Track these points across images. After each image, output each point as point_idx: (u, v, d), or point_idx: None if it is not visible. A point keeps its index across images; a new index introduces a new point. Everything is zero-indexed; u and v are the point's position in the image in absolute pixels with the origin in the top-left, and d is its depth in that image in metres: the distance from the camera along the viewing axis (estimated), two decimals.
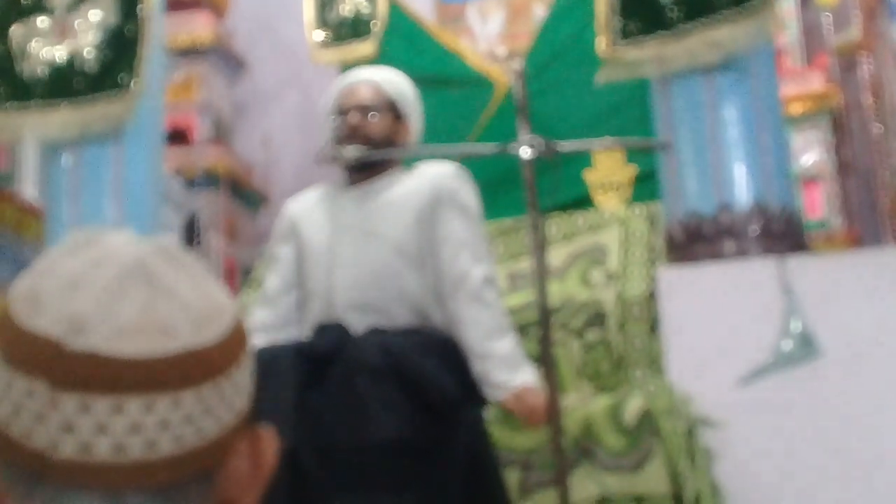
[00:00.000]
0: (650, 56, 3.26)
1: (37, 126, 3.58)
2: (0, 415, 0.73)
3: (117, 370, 0.73)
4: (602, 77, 3.41)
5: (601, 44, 3.36)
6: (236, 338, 0.81)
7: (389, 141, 2.79)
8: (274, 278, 2.86)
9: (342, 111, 2.80)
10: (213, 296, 0.81)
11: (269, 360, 2.46)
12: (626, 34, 3.30)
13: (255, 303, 2.89)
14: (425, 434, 2.43)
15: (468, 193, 2.78)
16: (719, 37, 3.15)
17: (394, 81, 2.87)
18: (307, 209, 2.88)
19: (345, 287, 2.71)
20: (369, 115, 2.77)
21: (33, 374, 0.73)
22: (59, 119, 3.55)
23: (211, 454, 0.77)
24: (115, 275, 0.76)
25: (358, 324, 2.66)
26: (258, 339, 2.72)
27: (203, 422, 0.77)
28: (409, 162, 2.95)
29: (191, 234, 6.39)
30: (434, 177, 2.77)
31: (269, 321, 2.80)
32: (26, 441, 0.73)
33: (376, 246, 2.72)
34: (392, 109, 2.81)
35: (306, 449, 2.38)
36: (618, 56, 3.32)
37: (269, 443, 0.84)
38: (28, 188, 5.37)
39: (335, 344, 2.56)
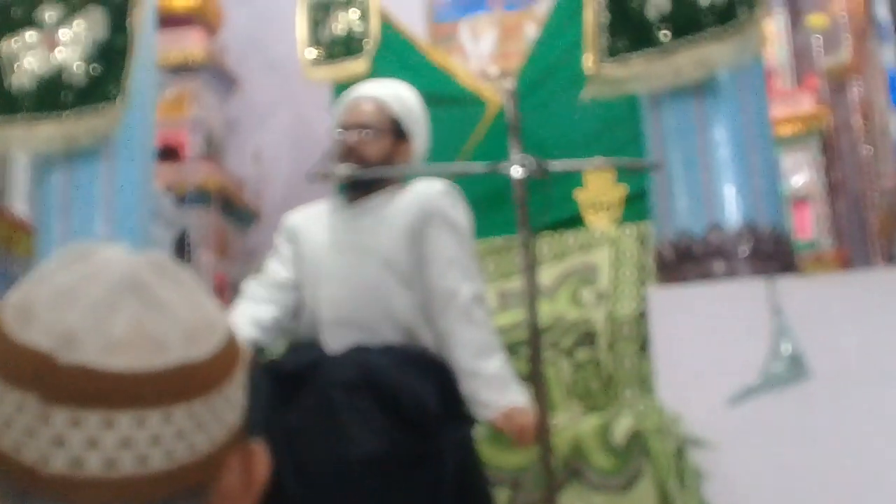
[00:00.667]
0: (637, 73, 3.28)
1: (23, 139, 3.58)
2: None
3: (109, 384, 0.73)
4: (588, 94, 3.42)
5: (588, 61, 3.37)
6: (229, 353, 0.81)
7: (386, 161, 2.77)
8: (279, 268, 2.83)
9: (343, 127, 2.79)
10: (205, 310, 0.81)
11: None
12: (612, 52, 3.32)
13: (255, 281, 2.85)
14: (405, 450, 2.42)
15: (458, 211, 2.77)
16: (705, 55, 3.16)
17: (400, 98, 2.85)
18: (306, 222, 2.87)
19: (330, 303, 2.70)
20: (367, 134, 2.76)
21: (24, 387, 0.72)
22: (45, 132, 3.54)
23: (203, 469, 0.77)
24: (108, 289, 0.76)
25: (342, 340, 2.64)
26: (242, 308, 2.71)
27: (195, 437, 0.76)
28: (409, 178, 2.95)
29: (181, 251, 6.38)
30: (424, 194, 2.77)
31: (260, 296, 2.77)
32: (16, 455, 0.72)
33: (366, 263, 2.72)
34: (393, 128, 2.79)
35: (284, 468, 2.37)
36: (604, 73, 3.33)
37: (261, 458, 0.84)
38: (19, 204, 5.36)
39: (307, 362, 2.55)
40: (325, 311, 2.70)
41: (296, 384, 2.47)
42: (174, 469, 0.75)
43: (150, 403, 0.74)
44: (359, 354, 2.54)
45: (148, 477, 0.74)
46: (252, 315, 2.69)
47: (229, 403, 0.80)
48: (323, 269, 2.74)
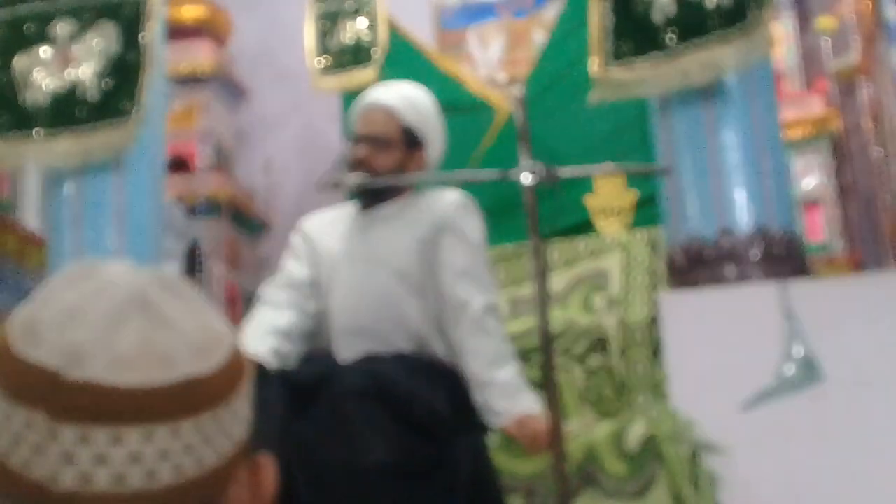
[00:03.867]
0: (643, 77, 3.27)
1: (39, 154, 3.59)
2: (1, 449, 0.73)
3: (116, 400, 0.73)
4: (595, 97, 3.41)
5: (594, 64, 3.37)
6: (235, 367, 0.81)
7: (398, 171, 2.77)
8: (297, 265, 2.82)
9: (354, 139, 2.79)
10: (211, 325, 0.81)
11: (254, 391, 2.45)
12: (618, 55, 3.31)
13: (272, 283, 2.84)
14: (418, 458, 2.42)
15: (472, 222, 2.77)
16: (712, 57, 3.16)
17: (413, 104, 2.82)
18: (321, 227, 2.87)
19: (341, 311, 2.70)
20: (377, 147, 2.75)
21: (32, 405, 0.73)
22: (61, 147, 3.56)
23: (211, 483, 0.77)
24: (114, 305, 0.76)
25: (354, 349, 2.64)
26: (261, 315, 2.70)
27: (203, 451, 0.76)
28: (421, 185, 2.95)
29: (192, 262, 6.39)
30: (438, 205, 2.76)
31: (279, 301, 2.76)
32: (26, 472, 0.72)
33: (378, 272, 2.71)
34: (405, 137, 2.79)
35: (298, 478, 2.37)
36: (610, 77, 3.33)
37: (269, 471, 0.84)
38: (30, 217, 5.38)
39: (320, 373, 2.55)
40: (338, 320, 2.70)
41: (309, 394, 2.47)
42: (183, 483, 0.75)
43: (158, 418, 0.74)
44: (370, 363, 2.54)
45: (157, 492, 0.74)
46: (271, 323, 2.68)
47: (236, 417, 0.80)
48: (336, 277, 2.74)
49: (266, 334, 2.63)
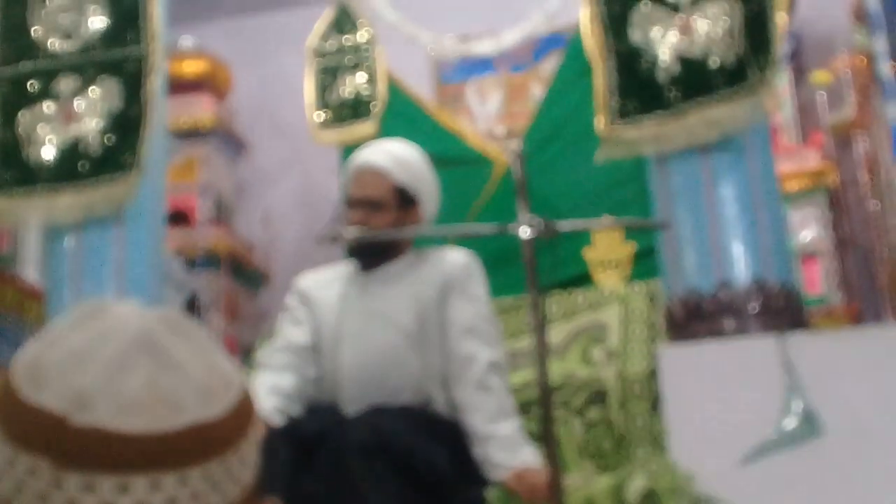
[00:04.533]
0: (649, 135, 3.30)
1: (42, 210, 3.60)
2: (2, 492, 0.72)
3: (123, 447, 0.72)
4: (601, 156, 3.44)
5: (599, 123, 3.39)
6: (243, 410, 0.80)
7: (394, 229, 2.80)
8: (296, 331, 2.82)
9: (348, 203, 2.82)
10: (219, 368, 0.80)
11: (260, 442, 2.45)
12: (623, 113, 3.34)
13: (272, 347, 2.84)
14: None
15: (478, 281, 2.80)
16: (717, 115, 3.18)
17: (403, 164, 2.85)
18: (318, 286, 2.89)
19: (351, 365, 2.72)
20: (370, 210, 2.77)
21: (36, 451, 0.71)
22: (64, 203, 3.57)
23: None
24: (121, 348, 0.75)
25: (360, 402, 2.66)
26: (263, 378, 2.70)
27: (210, 498, 0.75)
28: (418, 241, 2.96)
29: (192, 314, 6.39)
30: (445, 265, 2.79)
31: (280, 363, 2.76)
32: None
33: (382, 329, 2.73)
34: (398, 197, 2.81)
35: None
36: (616, 135, 3.36)
37: None
38: (29, 270, 5.38)
39: (325, 426, 2.55)
40: (345, 374, 2.71)
41: (314, 447, 2.48)
42: None
43: (166, 466, 0.73)
44: (374, 417, 2.54)
45: None
46: (274, 384, 2.70)
47: (244, 462, 0.80)
48: (342, 333, 2.76)
49: (269, 394, 2.64)
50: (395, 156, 2.87)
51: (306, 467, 2.45)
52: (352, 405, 2.68)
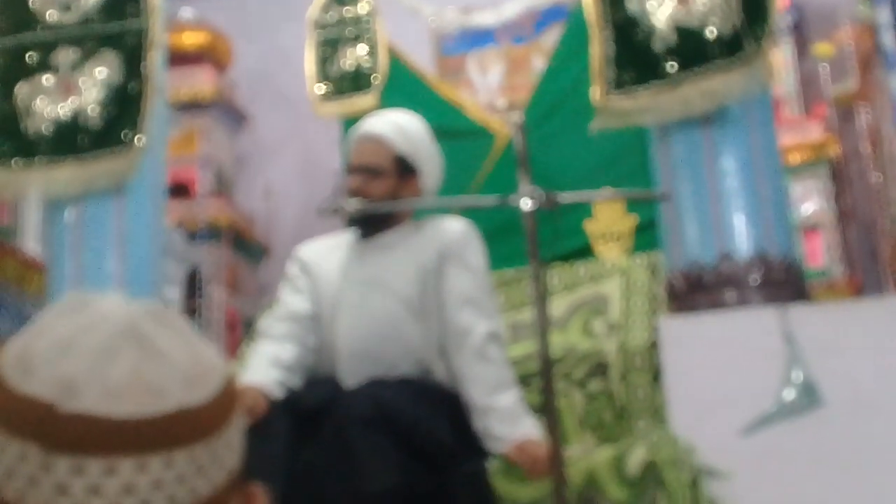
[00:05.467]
0: (644, 105, 3.29)
1: (41, 182, 3.60)
2: None
3: (110, 431, 0.74)
4: (596, 126, 3.43)
5: (595, 93, 3.38)
6: (227, 397, 0.82)
7: (393, 198, 2.80)
8: (296, 299, 2.83)
9: (348, 170, 2.82)
10: (203, 356, 0.82)
11: (261, 419, 2.46)
12: (619, 84, 3.33)
13: (273, 315, 2.84)
14: (419, 485, 2.42)
15: (476, 250, 2.80)
16: (713, 86, 3.17)
17: (405, 133, 2.86)
18: (318, 256, 2.89)
19: (347, 336, 2.72)
20: (370, 177, 2.78)
21: (25, 437, 0.73)
22: (64, 175, 3.56)
23: None
24: (106, 338, 0.77)
25: (359, 374, 2.66)
26: (264, 348, 2.70)
27: (196, 481, 0.77)
28: (419, 212, 2.96)
29: (193, 287, 6.39)
30: (443, 233, 2.79)
31: (280, 333, 2.76)
32: None
33: (381, 298, 2.73)
34: (398, 166, 2.81)
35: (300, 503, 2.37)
36: (611, 105, 3.35)
37: (261, 500, 0.84)
38: (30, 243, 5.39)
39: (325, 398, 2.55)
40: (342, 345, 2.71)
41: (314, 419, 2.48)
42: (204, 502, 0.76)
43: (152, 449, 0.75)
44: (374, 389, 2.55)
45: None
46: (275, 356, 2.69)
47: (229, 447, 0.81)
48: (339, 303, 2.76)
49: (270, 366, 2.64)
50: (398, 125, 2.88)
51: (306, 439, 2.46)
52: (350, 375, 2.68)
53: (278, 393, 2.58)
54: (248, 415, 2.43)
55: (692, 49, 3.22)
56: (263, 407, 2.47)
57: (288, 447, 2.43)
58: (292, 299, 2.83)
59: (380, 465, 2.37)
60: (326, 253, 2.89)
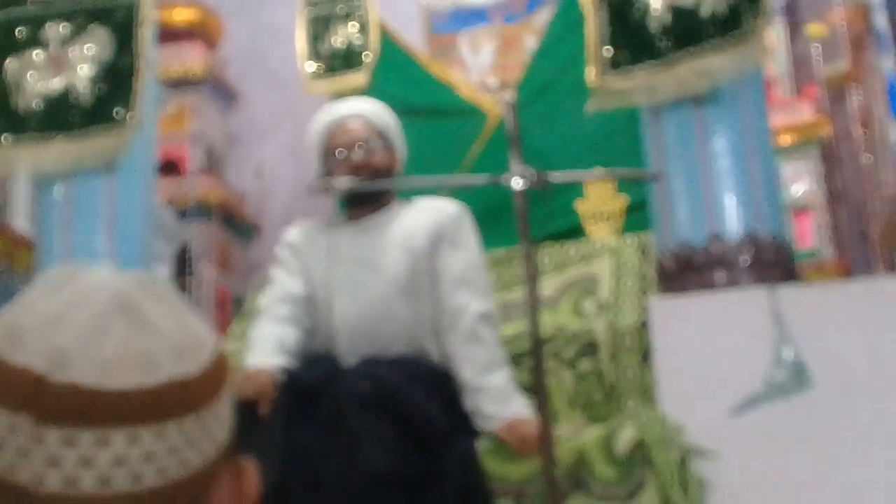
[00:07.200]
0: (639, 85, 3.28)
1: (31, 159, 3.58)
2: None
3: (101, 403, 0.74)
4: (591, 107, 3.43)
5: (590, 74, 3.38)
6: (218, 370, 0.82)
7: (390, 172, 2.81)
8: (292, 280, 2.83)
9: (338, 148, 2.81)
10: (193, 328, 0.82)
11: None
12: (614, 64, 3.32)
13: (269, 297, 2.84)
14: (415, 465, 2.43)
15: (470, 232, 2.81)
16: (707, 66, 3.17)
17: (378, 112, 2.91)
18: (306, 238, 2.89)
19: (344, 316, 2.72)
20: (369, 148, 2.78)
21: (16, 408, 0.73)
22: (54, 152, 3.55)
23: (194, 486, 0.78)
24: (97, 310, 0.77)
25: (358, 352, 2.67)
26: (268, 329, 2.70)
27: (187, 453, 0.77)
28: (403, 193, 2.96)
29: (183, 265, 6.38)
30: (436, 214, 2.80)
31: (282, 315, 2.76)
32: (10, 476, 0.73)
33: (374, 278, 2.74)
34: (383, 140, 2.83)
35: (296, 484, 2.38)
36: (607, 86, 3.34)
37: (251, 475, 0.84)
38: (19, 220, 5.37)
39: (322, 377, 2.56)
40: (341, 325, 2.72)
41: (311, 398, 2.49)
42: (167, 485, 0.76)
43: (143, 421, 0.75)
44: (372, 368, 2.56)
45: (141, 494, 0.75)
46: (280, 340, 2.69)
47: (219, 420, 0.82)
48: (333, 284, 2.76)
49: (277, 351, 2.65)
50: (372, 104, 2.95)
51: (303, 418, 2.46)
52: (347, 356, 2.70)
53: (281, 378, 2.59)
54: (259, 398, 2.43)
55: (687, 28, 3.22)
56: (272, 391, 2.47)
57: (285, 425, 2.43)
58: (288, 281, 2.83)
59: (376, 446, 2.38)
60: (314, 235, 2.90)
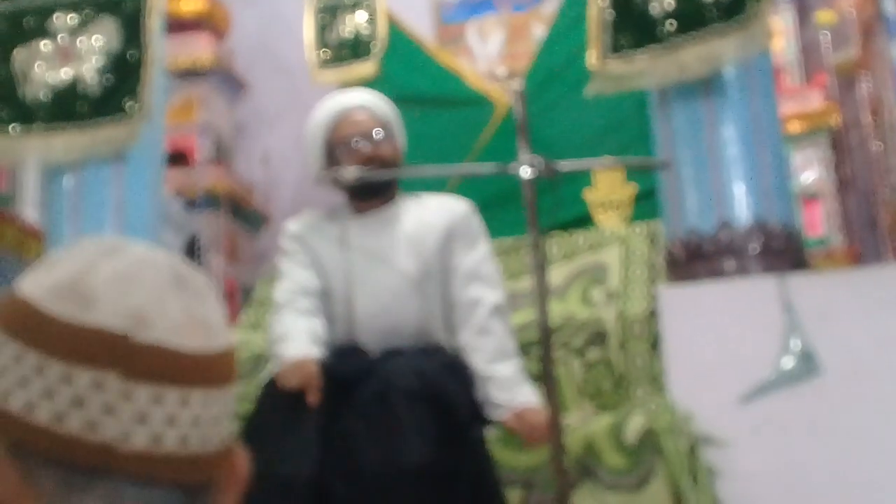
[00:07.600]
0: (641, 69, 3.27)
1: (40, 149, 3.59)
2: (51, 413, 0.72)
3: (184, 363, 0.76)
4: (591, 90, 3.41)
5: (591, 57, 3.36)
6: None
7: (398, 162, 2.82)
8: (306, 274, 2.82)
9: (345, 140, 2.81)
10: (219, 306, 0.84)
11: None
12: (616, 48, 3.31)
13: (285, 290, 2.82)
14: (447, 457, 2.44)
15: (479, 229, 2.84)
16: (710, 50, 3.15)
17: (380, 103, 2.91)
18: (312, 231, 2.88)
19: (365, 311, 2.73)
20: (377, 140, 2.78)
21: (100, 366, 0.73)
22: (62, 142, 3.55)
23: (220, 459, 0.80)
24: (161, 275, 0.78)
25: (375, 346, 2.69)
26: (296, 322, 2.69)
27: (226, 422, 0.80)
28: (407, 184, 2.96)
29: (191, 255, 6.39)
30: (447, 214, 2.81)
31: (306, 308, 2.75)
32: (89, 435, 0.72)
33: (386, 272, 2.75)
34: (387, 132, 2.83)
35: (335, 474, 2.38)
36: (608, 69, 3.33)
37: (243, 460, 0.85)
38: (29, 210, 5.38)
39: (361, 368, 2.57)
40: (362, 316, 2.73)
41: (350, 389, 2.49)
42: (220, 451, 0.79)
43: (215, 382, 0.78)
44: (414, 362, 2.56)
45: (207, 454, 0.77)
46: (313, 331, 2.69)
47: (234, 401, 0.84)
48: (350, 276, 2.77)
49: (314, 343, 2.64)
50: (373, 95, 2.94)
51: (342, 410, 2.46)
52: (372, 345, 2.72)
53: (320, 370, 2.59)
54: (305, 388, 2.43)
55: (690, 12, 3.20)
56: (319, 381, 2.46)
57: (324, 416, 2.44)
58: (303, 274, 2.82)
59: (421, 439, 2.38)
60: (319, 227, 2.89)
